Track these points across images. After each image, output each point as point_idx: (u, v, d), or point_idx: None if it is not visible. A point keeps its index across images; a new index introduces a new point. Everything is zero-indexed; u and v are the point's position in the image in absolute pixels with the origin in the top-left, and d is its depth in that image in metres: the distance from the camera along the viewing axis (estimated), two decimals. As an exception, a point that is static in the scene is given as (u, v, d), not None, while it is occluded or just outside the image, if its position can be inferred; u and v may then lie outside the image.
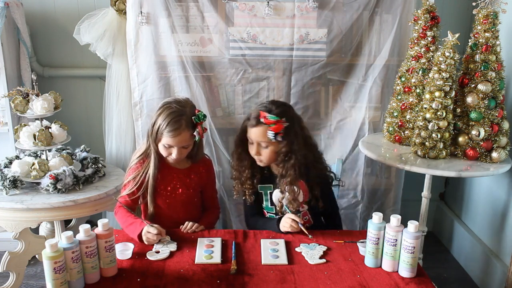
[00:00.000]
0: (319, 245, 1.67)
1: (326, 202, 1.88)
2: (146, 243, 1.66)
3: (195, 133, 1.77)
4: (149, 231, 1.65)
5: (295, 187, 1.79)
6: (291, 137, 1.77)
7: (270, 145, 1.77)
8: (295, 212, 1.83)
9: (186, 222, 1.80)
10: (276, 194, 1.89)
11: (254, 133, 1.77)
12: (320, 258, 1.59)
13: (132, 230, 1.72)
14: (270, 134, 1.74)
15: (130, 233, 1.72)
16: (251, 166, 1.87)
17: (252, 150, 1.81)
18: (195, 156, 1.91)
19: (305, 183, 1.84)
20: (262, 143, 1.78)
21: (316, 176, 1.85)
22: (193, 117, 1.77)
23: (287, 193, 1.80)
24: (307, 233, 1.71)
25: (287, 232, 1.75)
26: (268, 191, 1.90)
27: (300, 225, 1.73)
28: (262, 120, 1.74)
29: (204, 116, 1.81)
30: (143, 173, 1.86)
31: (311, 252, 1.63)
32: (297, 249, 1.65)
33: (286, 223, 1.74)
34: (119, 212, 1.83)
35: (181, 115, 1.76)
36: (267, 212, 1.94)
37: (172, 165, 1.89)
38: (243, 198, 1.93)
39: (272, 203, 1.90)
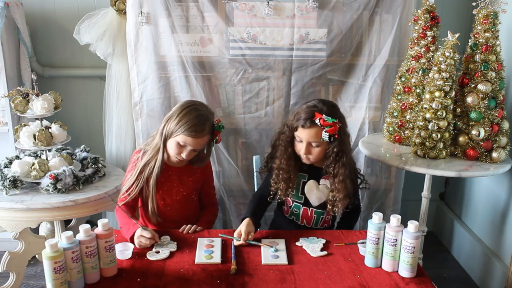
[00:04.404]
0: (318, 238, 1.72)
1: (354, 200, 1.86)
2: (137, 246, 1.63)
3: (213, 141, 1.86)
4: (143, 234, 1.63)
5: (347, 183, 1.77)
6: (342, 137, 1.77)
7: (321, 144, 1.77)
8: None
9: (184, 225, 1.79)
10: (310, 186, 1.87)
11: (307, 134, 1.74)
12: (321, 250, 1.63)
13: (125, 231, 1.71)
14: (326, 136, 1.72)
15: (124, 234, 1.71)
16: (295, 164, 1.84)
17: (301, 149, 1.78)
18: (200, 161, 1.93)
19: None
20: (313, 143, 1.76)
21: (352, 174, 1.84)
22: (214, 125, 1.84)
23: (336, 192, 1.78)
24: (256, 243, 1.66)
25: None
26: (302, 180, 1.88)
27: (247, 241, 1.66)
28: (317, 121, 1.71)
29: (223, 127, 1.88)
30: (146, 170, 1.85)
31: (312, 246, 1.66)
32: (297, 243, 1.68)
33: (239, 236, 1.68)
34: (119, 210, 1.83)
35: (207, 120, 1.82)
36: (294, 201, 1.90)
37: (170, 163, 1.89)
38: (266, 175, 1.93)
39: (302, 192, 1.88)
